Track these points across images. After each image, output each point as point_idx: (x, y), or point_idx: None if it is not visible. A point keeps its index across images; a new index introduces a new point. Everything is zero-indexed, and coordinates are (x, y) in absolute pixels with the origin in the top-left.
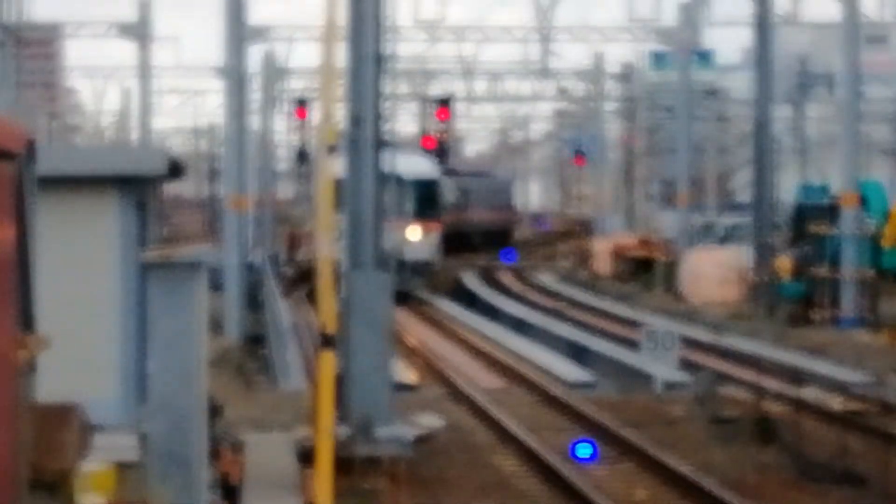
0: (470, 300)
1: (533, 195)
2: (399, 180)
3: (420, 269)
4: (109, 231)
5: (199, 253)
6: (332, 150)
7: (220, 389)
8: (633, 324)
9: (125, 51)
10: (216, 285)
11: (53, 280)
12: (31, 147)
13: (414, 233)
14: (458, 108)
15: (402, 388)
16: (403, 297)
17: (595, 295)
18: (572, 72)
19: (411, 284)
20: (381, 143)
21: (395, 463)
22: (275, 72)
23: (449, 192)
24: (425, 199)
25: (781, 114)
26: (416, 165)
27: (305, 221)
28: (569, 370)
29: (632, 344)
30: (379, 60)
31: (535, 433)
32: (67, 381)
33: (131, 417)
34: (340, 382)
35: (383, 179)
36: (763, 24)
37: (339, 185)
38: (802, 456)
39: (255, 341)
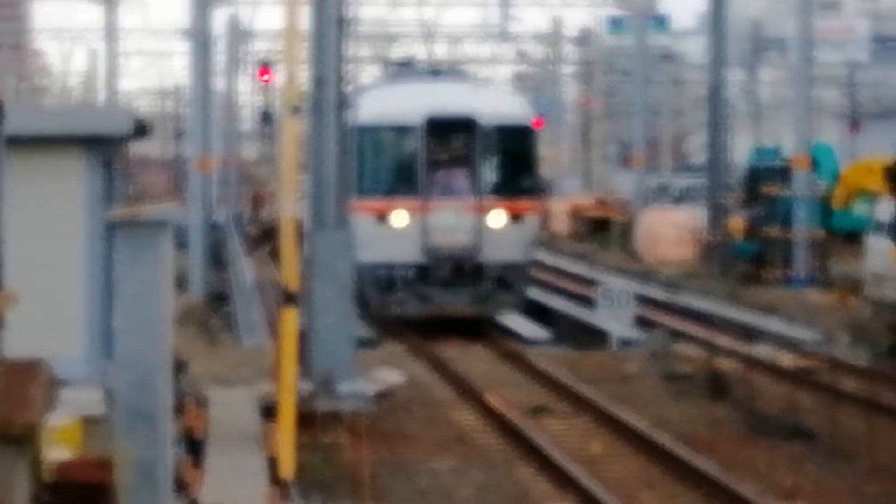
0: None
1: None
2: (469, 127)
3: (507, 279)
4: (76, 190)
5: (165, 212)
6: (295, 111)
7: (184, 346)
8: (589, 282)
9: (92, 13)
10: (181, 243)
11: (20, 238)
12: None
13: (497, 218)
14: None
15: (364, 344)
16: (475, 326)
17: (552, 254)
18: (531, 36)
19: (492, 303)
20: (343, 104)
21: (356, 418)
22: (239, 34)
23: None
24: (515, 161)
25: (735, 77)
26: (498, 105)
27: (269, 181)
28: (526, 327)
29: (588, 302)
30: (342, 23)
31: (493, 389)
32: (34, 337)
33: (97, 373)
34: (303, 339)
35: (346, 136)
36: None
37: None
38: (754, 411)
39: (219, 299)
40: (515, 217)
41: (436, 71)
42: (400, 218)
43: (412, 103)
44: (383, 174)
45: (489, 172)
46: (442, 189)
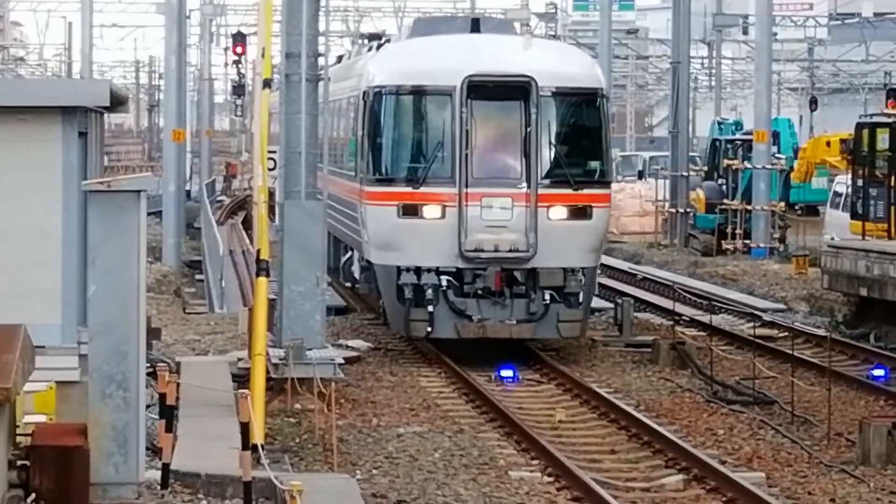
0: None
1: None
2: (523, 91)
3: (569, 291)
4: (53, 159)
5: (140, 181)
6: (267, 84)
7: (158, 313)
8: None
9: None
10: (155, 213)
11: None
12: None
13: (557, 212)
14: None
15: (334, 312)
16: (518, 350)
17: None
18: (499, 11)
19: (548, 322)
20: (316, 78)
21: (326, 384)
22: (213, 7)
23: None
24: (582, 138)
25: (698, 53)
26: (559, 63)
27: (241, 152)
28: None
29: None
30: None
31: (461, 357)
32: (11, 304)
33: (73, 340)
34: (274, 307)
35: (317, 113)
36: None
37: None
38: (714, 379)
39: (192, 267)
40: (581, 211)
41: (475, 20)
42: (430, 210)
43: (447, 60)
44: (408, 153)
45: (548, 152)
46: (486, 173)
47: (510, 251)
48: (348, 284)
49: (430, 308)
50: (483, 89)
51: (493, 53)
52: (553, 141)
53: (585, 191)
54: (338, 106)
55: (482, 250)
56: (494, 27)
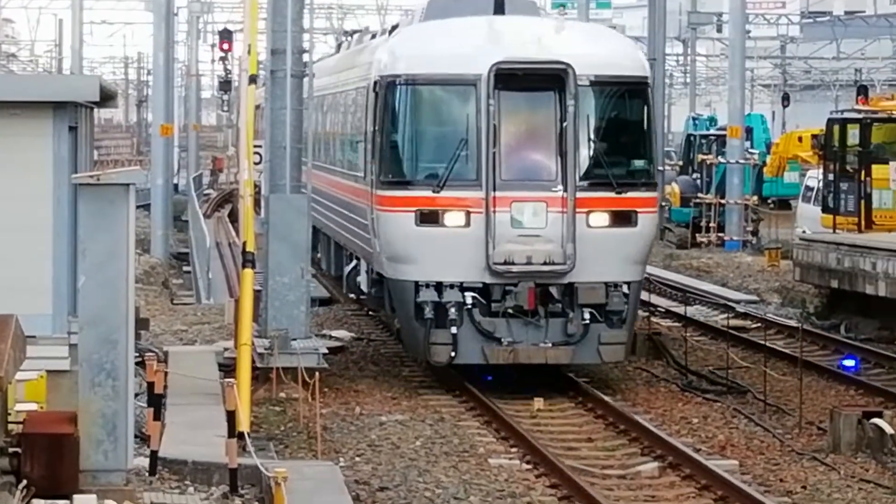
0: None
1: None
2: (559, 80)
3: (611, 308)
4: (44, 153)
5: (128, 175)
6: (253, 80)
7: (146, 304)
8: None
9: None
10: (144, 206)
11: None
12: None
13: (597, 218)
14: None
15: (318, 303)
16: (554, 379)
17: None
18: None
19: (588, 344)
20: (301, 74)
21: (310, 374)
22: (200, 5)
23: None
24: (625, 134)
25: (673, 50)
26: (598, 49)
27: (227, 147)
28: None
29: None
30: None
31: None
32: (2, 295)
33: (63, 330)
34: (259, 298)
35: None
36: None
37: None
38: (689, 369)
39: (180, 259)
40: (624, 217)
41: (499, 0)
42: (453, 217)
43: (470, 45)
44: (427, 152)
45: (587, 150)
46: (516, 174)
47: (544, 264)
48: (353, 296)
49: (454, 329)
50: (512, 78)
51: (522, 37)
52: (592, 137)
53: (630, 194)
54: (340, 98)
55: (513, 263)
56: (520, 8)
